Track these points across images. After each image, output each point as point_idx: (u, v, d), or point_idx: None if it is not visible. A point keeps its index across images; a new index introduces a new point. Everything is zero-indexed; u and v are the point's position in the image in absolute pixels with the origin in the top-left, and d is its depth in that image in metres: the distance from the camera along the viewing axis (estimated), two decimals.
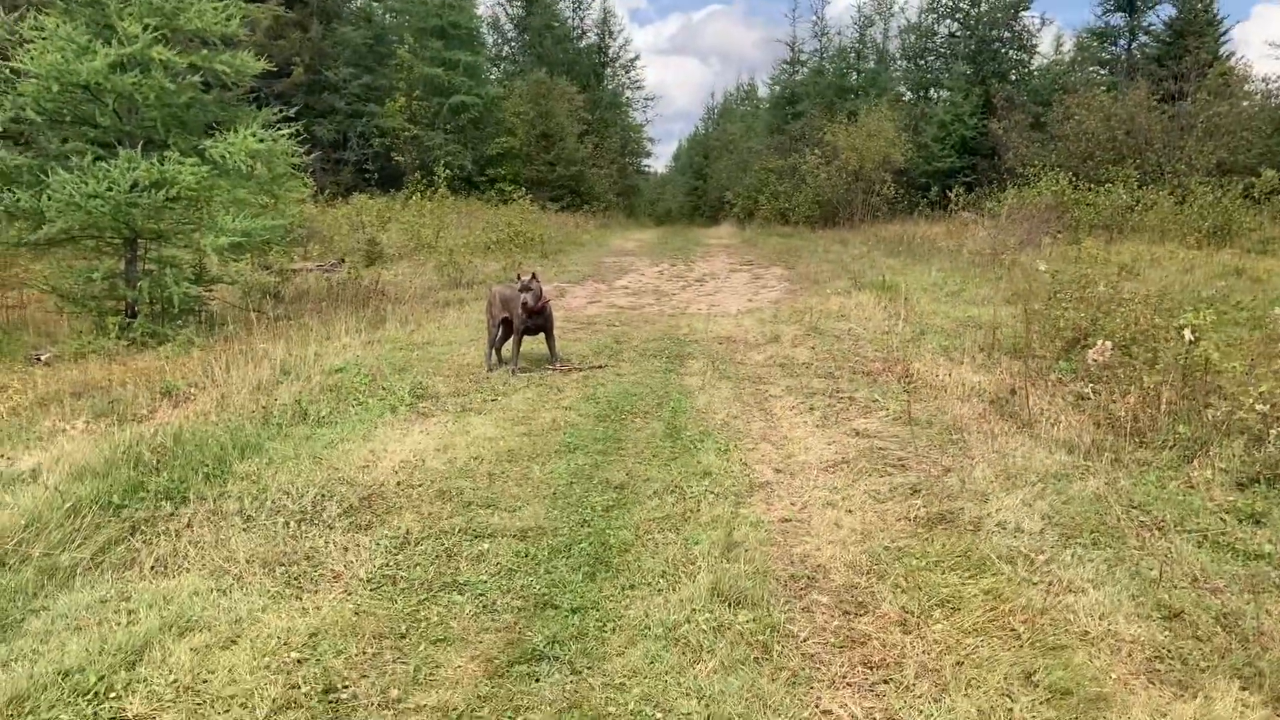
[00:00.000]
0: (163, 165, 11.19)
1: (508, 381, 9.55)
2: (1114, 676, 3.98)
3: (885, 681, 4.00)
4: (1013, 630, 4.34)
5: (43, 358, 10.99)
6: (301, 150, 13.19)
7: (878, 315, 13.09)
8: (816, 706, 3.83)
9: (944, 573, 4.93)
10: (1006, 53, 35.86)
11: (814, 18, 48.48)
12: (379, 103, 35.60)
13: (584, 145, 40.16)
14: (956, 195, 25.88)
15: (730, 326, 12.93)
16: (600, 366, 10.21)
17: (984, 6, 35.91)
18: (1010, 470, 6.52)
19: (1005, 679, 3.95)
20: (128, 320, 11.91)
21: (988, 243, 20.83)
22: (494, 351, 10.37)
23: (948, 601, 4.62)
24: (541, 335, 10.31)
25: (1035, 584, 4.78)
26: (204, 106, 12.64)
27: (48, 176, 10.87)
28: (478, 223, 25.46)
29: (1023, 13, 35.44)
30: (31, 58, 10.80)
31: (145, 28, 11.02)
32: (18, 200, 10.98)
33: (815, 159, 31.92)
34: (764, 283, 18.86)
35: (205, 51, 12.06)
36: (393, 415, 8.22)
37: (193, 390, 9.00)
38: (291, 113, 13.72)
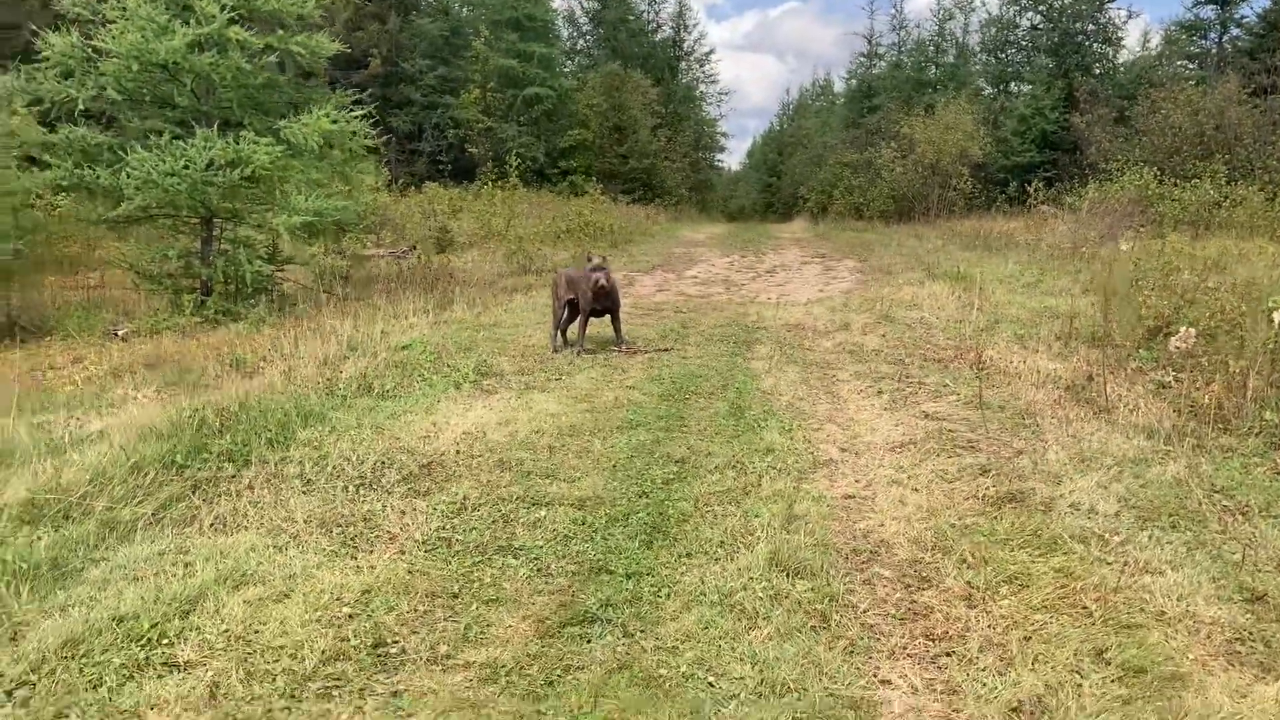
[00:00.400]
0: (238, 145, 11.36)
1: (572, 362, 9.52)
2: (1191, 657, 3.79)
3: (948, 654, 3.86)
4: (1084, 608, 4.16)
5: (120, 333, 11.25)
6: (374, 133, 13.31)
7: (951, 304, 12.80)
8: (875, 675, 3.71)
9: (1013, 550, 4.76)
10: (1091, 46, 34.90)
11: (892, 11, 47.88)
12: (454, 95, 35.90)
13: (657, 138, 40.06)
14: (1036, 190, 25.27)
15: (800, 314, 12.75)
16: (666, 350, 10.13)
17: None
18: (1085, 454, 6.30)
19: (1075, 655, 3.78)
20: (202, 298, 12.14)
21: (1067, 237, 20.28)
22: (559, 333, 10.35)
23: (1016, 578, 4.46)
24: (608, 318, 10.26)
25: (1109, 564, 4.58)
26: (279, 89, 12.83)
27: (127, 155, 11.10)
28: (548, 213, 25.55)
29: (1108, 5, 34.43)
30: (113, 37, 11.04)
31: (222, 8, 11.20)
32: (98, 177, 11.25)
33: (891, 152, 31.46)
34: (835, 274, 18.61)
35: (281, 32, 12.22)
36: (456, 391, 8.22)
37: (261, 364, 9.13)
38: (367, 100, 13.84)
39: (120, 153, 11.35)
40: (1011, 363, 9.11)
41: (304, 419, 6.92)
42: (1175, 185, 23.04)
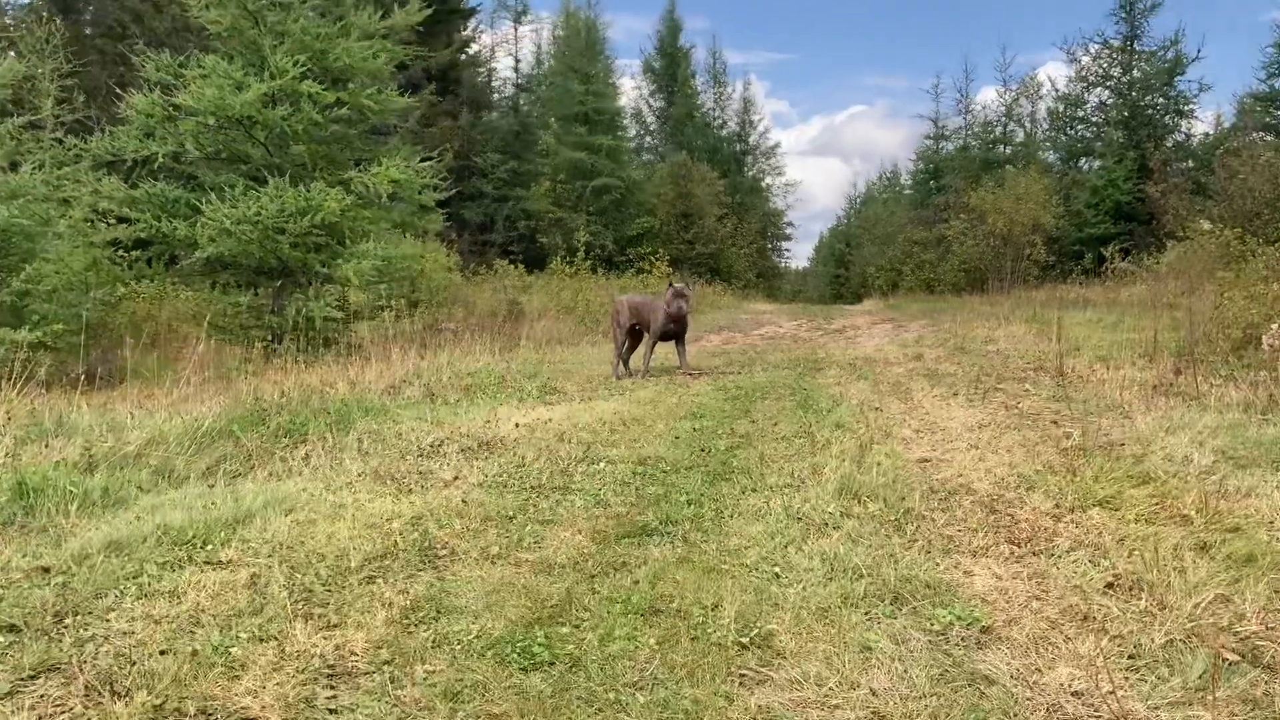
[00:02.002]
0: (308, 193, 11.61)
1: (636, 383, 9.37)
2: None
3: (1034, 554, 3.57)
4: (1183, 516, 3.84)
5: (193, 380, 11.39)
6: (443, 183, 13.54)
7: (1028, 339, 12.45)
8: (956, 568, 3.43)
9: (1103, 484, 4.43)
10: (1163, 118, 34.53)
11: (958, 96, 48.11)
12: (524, 187, 36.64)
13: (724, 225, 40.37)
14: (1112, 256, 24.76)
15: (870, 351, 12.51)
16: (733, 373, 9.94)
17: (1136, 73, 34.80)
18: (1176, 424, 5.93)
19: (1175, 549, 3.46)
20: (274, 346, 12.28)
21: (1146, 295, 19.76)
22: (621, 362, 10.22)
23: (1107, 501, 4.14)
24: (673, 344, 10.14)
25: (1208, 490, 4.24)
26: (349, 142, 13.14)
27: (202, 209, 11.40)
28: (616, 286, 25.70)
29: (1177, 78, 34.15)
30: (191, 94, 11.45)
31: (295, 63, 11.57)
32: (175, 229, 11.54)
33: (961, 224, 31.19)
34: (906, 330, 18.28)
35: (352, 87, 12.57)
36: (519, 403, 8.11)
37: (327, 388, 9.13)
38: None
39: (196, 205, 11.66)
40: (1095, 372, 8.76)
41: (365, 411, 6.85)
42: (1259, 246, 22.41)
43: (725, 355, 12.74)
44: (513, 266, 27.24)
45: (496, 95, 41.39)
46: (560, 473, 5.01)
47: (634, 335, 10.14)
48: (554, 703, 2.50)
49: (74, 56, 18.40)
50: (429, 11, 14.03)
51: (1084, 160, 37.07)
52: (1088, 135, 36.80)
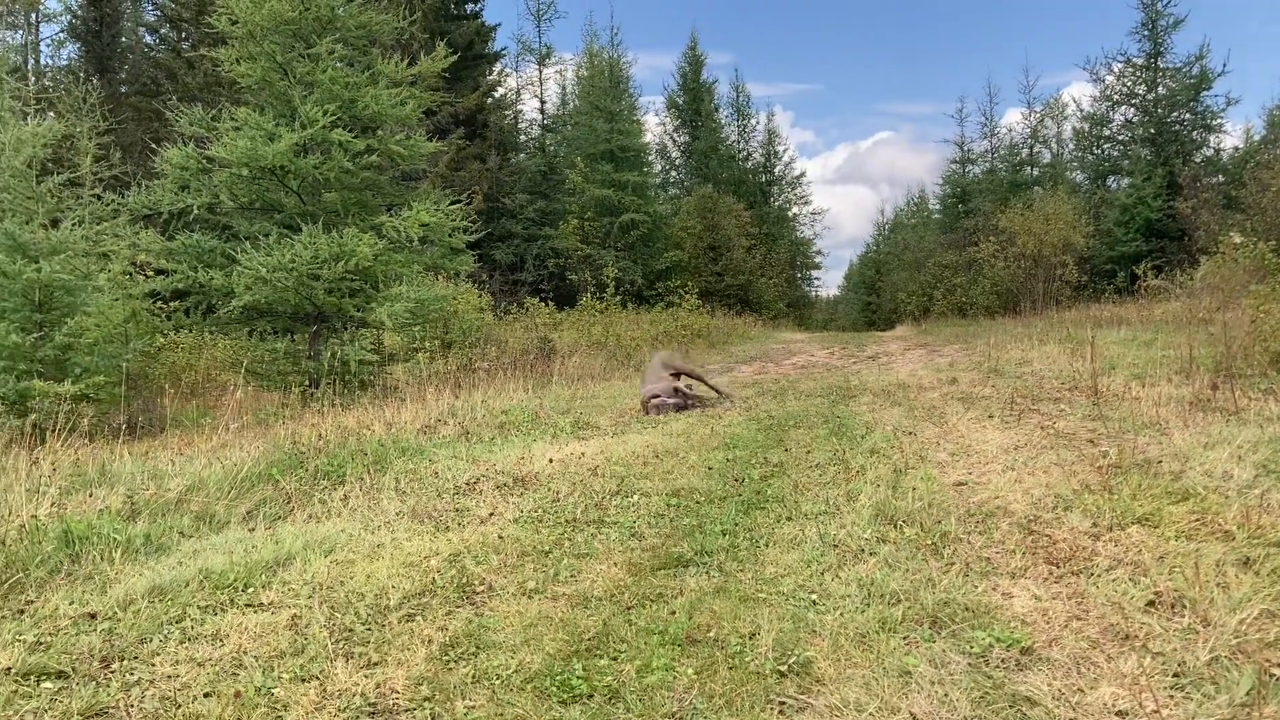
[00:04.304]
0: (341, 239, 11.77)
1: (668, 416, 9.37)
2: None
3: (1074, 573, 3.54)
4: (1225, 532, 3.79)
5: (232, 427, 11.53)
6: (473, 225, 13.68)
7: (1062, 360, 12.35)
8: (995, 590, 3.41)
9: (1141, 502, 4.38)
10: (1190, 134, 34.33)
11: (983, 119, 47.96)
12: (553, 226, 36.93)
13: (753, 256, 40.43)
14: (1145, 273, 24.53)
15: (903, 376, 12.45)
16: (766, 403, 9.92)
17: (1161, 90, 34.67)
18: (1214, 440, 5.86)
19: (1218, 565, 3.42)
20: (311, 391, 12.41)
21: (1181, 313, 19.57)
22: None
23: (1146, 518, 4.10)
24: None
25: (1250, 505, 4.19)
26: (380, 188, 13.34)
27: (237, 258, 11.60)
28: (645, 320, 25.80)
29: (1204, 93, 33.97)
30: (224, 146, 11.68)
31: (324, 113, 11.79)
32: (211, 279, 11.74)
33: (991, 246, 31.05)
34: (940, 354, 18.19)
35: (381, 133, 12.77)
36: (553, 439, 8.15)
37: (364, 430, 9.21)
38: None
39: (232, 255, 11.87)
40: (1130, 390, 8.67)
41: (401, 451, 6.91)
42: None
43: (758, 385, 12.73)
44: (543, 304, 27.41)
45: (523, 136, 41.86)
46: (594, 506, 5.02)
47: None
48: None
49: (110, 114, 18.86)
50: (455, 57, 14.22)
51: (1112, 179, 36.87)
52: (1114, 154, 36.63)
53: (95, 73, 25.58)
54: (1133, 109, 36.13)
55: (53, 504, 4.77)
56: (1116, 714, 2.49)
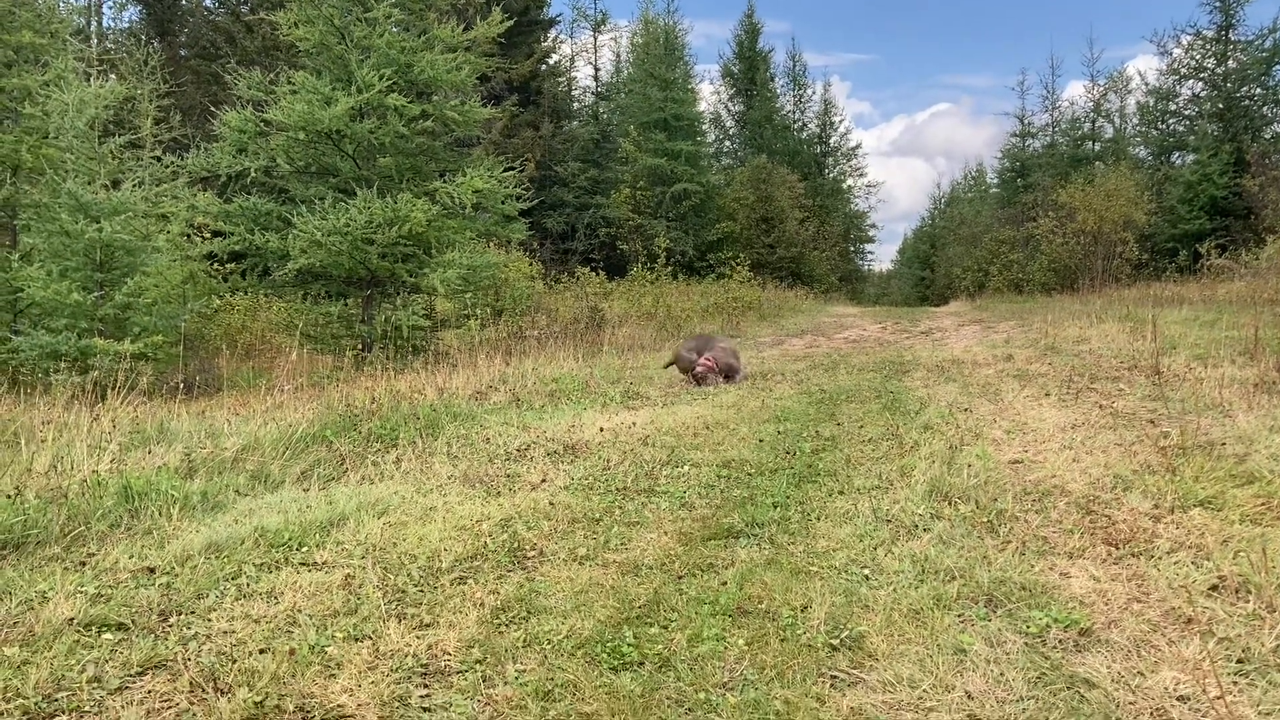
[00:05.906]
0: (395, 204, 11.84)
1: (718, 388, 9.34)
2: None
3: (1133, 555, 3.47)
4: None
5: (286, 389, 11.69)
6: (525, 192, 13.69)
7: (1121, 338, 12.10)
8: (1052, 570, 3.35)
9: (1204, 484, 4.28)
10: (1260, 109, 33.36)
11: (1044, 93, 47.04)
12: (605, 195, 36.85)
13: (806, 229, 40.06)
14: (1208, 252, 23.96)
15: (958, 352, 12.28)
16: (818, 377, 9.84)
17: (1231, 64, 33.69)
18: None
19: None
20: (364, 354, 12.53)
21: (1246, 292, 19.10)
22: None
23: (1209, 502, 4.01)
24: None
25: None
26: (434, 154, 13.38)
27: (293, 221, 11.71)
28: (696, 292, 25.71)
29: (1276, 67, 32.96)
30: (282, 109, 11.77)
31: (380, 76, 11.82)
32: (268, 241, 11.87)
33: (1049, 222, 30.50)
34: (995, 330, 17.93)
35: (436, 99, 12.80)
36: (603, 408, 8.15)
37: (416, 395, 9.28)
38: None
39: (288, 218, 11.98)
40: (1192, 371, 8.48)
41: (453, 416, 6.95)
42: None
43: (809, 359, 12.64)
44: (594, 274, 27.42)
45: (576, 104, 41.77)
46: (645, 475, 5.02)
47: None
48: (644, 702, 2.51)
49: (170, 77, 19.07)
50: (510, 23, 14.17)
51: (1176, 155, 35.98)
52: (1180, 129, 35.71)
53: (156, 35, 25.89)
54: (1201, 83, 35.16)
55: (113, 460, 4.86)
56: (1178, 699, 2.44)
